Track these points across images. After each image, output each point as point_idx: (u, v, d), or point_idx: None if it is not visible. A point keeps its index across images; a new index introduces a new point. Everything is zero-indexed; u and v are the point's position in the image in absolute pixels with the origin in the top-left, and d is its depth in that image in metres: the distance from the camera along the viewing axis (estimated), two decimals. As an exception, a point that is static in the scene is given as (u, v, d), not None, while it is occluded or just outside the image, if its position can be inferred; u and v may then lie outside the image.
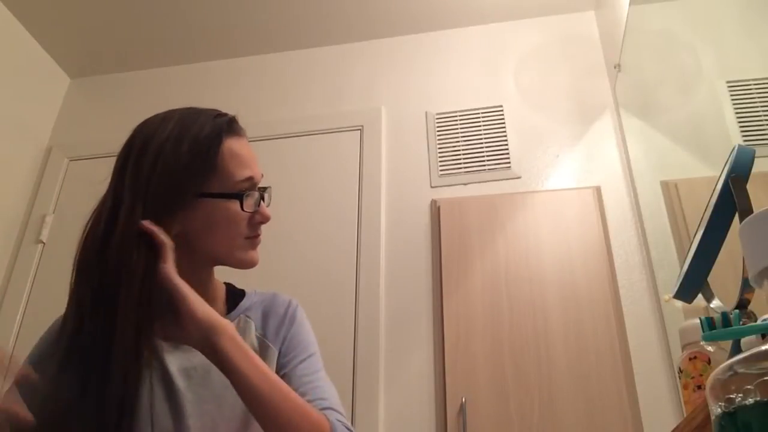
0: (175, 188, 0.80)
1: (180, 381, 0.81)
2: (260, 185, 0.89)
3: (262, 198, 0.88)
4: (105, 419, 0.71)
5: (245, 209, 0.84)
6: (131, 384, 0.74)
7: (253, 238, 0.87)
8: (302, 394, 0.80)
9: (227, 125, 0.86)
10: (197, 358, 0.80)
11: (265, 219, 0.87)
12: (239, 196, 0.83)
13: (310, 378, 0.85)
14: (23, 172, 2.40)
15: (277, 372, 0.85)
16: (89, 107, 2.63)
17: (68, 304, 0.80)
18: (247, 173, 0.85)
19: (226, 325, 0.75)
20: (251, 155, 0.88)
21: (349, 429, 0.81)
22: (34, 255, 2.25)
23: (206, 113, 0.87)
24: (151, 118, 0.88)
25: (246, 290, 0.95)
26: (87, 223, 0.83)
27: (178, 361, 0.82)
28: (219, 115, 0.88)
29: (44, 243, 2.28)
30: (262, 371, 0.75)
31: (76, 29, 2.49)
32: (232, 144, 0.85)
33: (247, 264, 0.87)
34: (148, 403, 0.78)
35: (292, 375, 0.85)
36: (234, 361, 0.73)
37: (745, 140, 1.34)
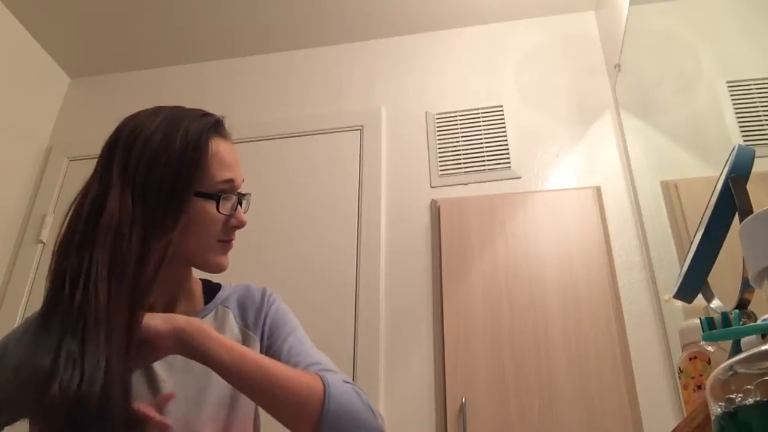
0: (164, 180, 0.80)
1: (161, 371, 0.82)
2: (241, 191, 0.88)
3: (240, 203, 0.87)
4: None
5: (221, 211, 0.83)
6: (116, 369, 0.71)
7: (225, 242, 0.86)
8: (294, 366, 0.81)
9: (215, 125, 0.86)
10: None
11: (241, 224, 0.87)
12: (216, 197, 0.83)
13: (298, 350, 0.86)
14: (23, 172, 2.40)
15: (262, 351, 0.87)
16: (89, 107, 2.63)
17: (46, 292, 0.78)
18: (227, 175, 0.84)
19: (191, 321, 0.75)
20: (235, 158, 0.87)
21: (347, 382, 0.82)
22: (34, 255, 2.25)
23: (194, 111, 0.87)
24: (139, 111, 0.88)
25: (221, 283, 0.96)
26: (69, 210, 0.83)
27: None
28: (206, 114, 0.88)
29: (44, 243, 2.28)
30: (240, 352, 0.75)
31: (76, 29, 2.49)
32: (218, 144, 0.85)
33: (216, 268, 0.86)
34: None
35: (280, 351, 0.86)
36: (209, 350, 0.73)
37: (745, 140, 1.34)
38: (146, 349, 0.73)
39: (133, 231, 0.76)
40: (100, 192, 0.80)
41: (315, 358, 0.85)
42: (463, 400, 1.73)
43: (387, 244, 2.07)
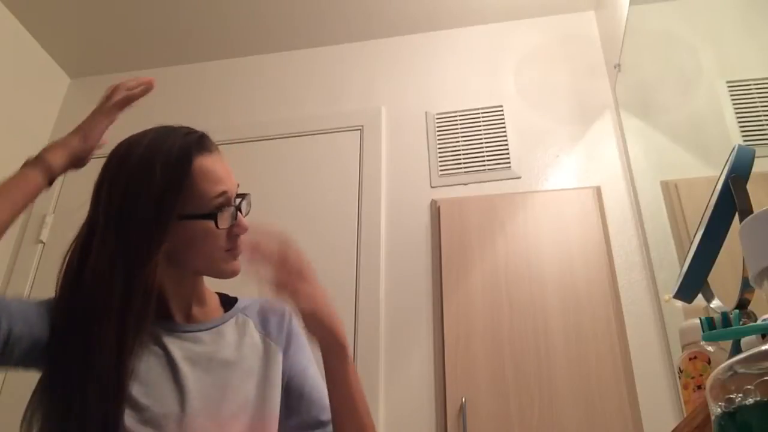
0: (147, 209, 0.81)
1: (184, 366, 0.83)
2: (240, 192, 0.90)
3: (239, 209, 0.88)
4: None
5: (220, 227, 0.84)
6: (114, 401, 0.76)
7: (233, 250, 0.88)
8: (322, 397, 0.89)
9: (196, 143, 0.86)
10: (200, 348, 0.85)
11: (243, 230, 0.88)
12: (213, 216, 0.84)
13: (320, 388, 0.91)
14: (23, 172, 2.40)
15: (285, 367, 0.91)
16: (89, 107, 2.61)
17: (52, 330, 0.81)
18: (219, 189, 0.85)
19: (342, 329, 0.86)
20: (223, 169, 0.88)
21: None
22: (34, 255, 2.25)
23: (176, 132, 0.88)
24: (123, 141, 0.90)
25: (238, 297, 0.98)
26: (66, 252, 0.86)
27: (180, 351, 0.84)
28: (189, 132, 0.88)
29: (44, 243, 2.28)
30: (359, 384, 0.86)
31: (76, 29, 2.49)
32: (202, 162, 0.85)
33: (229, 274, 0.89)
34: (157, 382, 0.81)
35: (304, 374, 0.93)
36: (351, 373, 0.85)
37: (745, 140, 1.34)
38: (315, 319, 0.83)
39: (114, 271, 0.79)
40: (88, 234, 0.85)
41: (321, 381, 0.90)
42: (463, 400, 1.73)
43: (387, 244, 2.07)
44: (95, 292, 0.79)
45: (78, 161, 0.98)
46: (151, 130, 0.90)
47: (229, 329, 0.90)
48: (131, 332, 0.78)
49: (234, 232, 0.87)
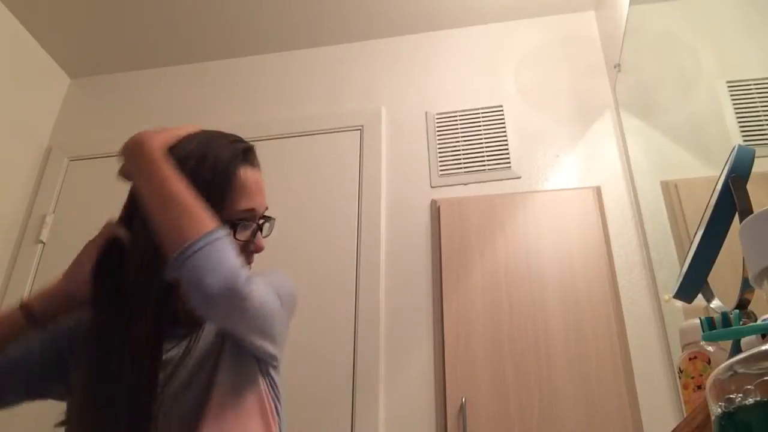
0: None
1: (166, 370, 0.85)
2: (266, 214, 0.93)
3: (261, 228, 0.91)
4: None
5: (237, 238, 0.86)
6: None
7: (245, 267, 0.88)
8: None
9: (243, 153, 0.90)
10: (173, 353, 0.85)
11: (258, 250, 0.91)
12: (234, 225, 0.86)
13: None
14: (23, 172, 2.40)
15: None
16: (89, 107, 2.63)
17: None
18: (249, 205, 0.88)
19: (141, 136, 0.84)
20: (259, 188, 0.91)
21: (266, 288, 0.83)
22: (34, 255, 2.25)
23: (226, 137, 0.91)
24: None
25: None
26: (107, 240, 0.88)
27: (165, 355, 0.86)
28: (237, 140, 0.91)
29: (44, 243, 2.28)
30: (161, 173, 0.81)
31: (76, 29, 2.49)
32: (245, 173, 0.89)
33: None
34: None
35: None
36: (146, 156, 0.82)
37: (745, 140, 1.34)
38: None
39: (155, 264, 0.80)
40: (127, 215, 0.87)
41: (268, 292, 0.84)
42: (463, 400, 1.73)
43: (387, 244, 2.07)
44: (135, 286, 0.81)
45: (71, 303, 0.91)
46: (198, 132, 0.92)
47: (206, 331, 0.89)
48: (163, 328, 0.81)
49: (249, 248, 0.89)
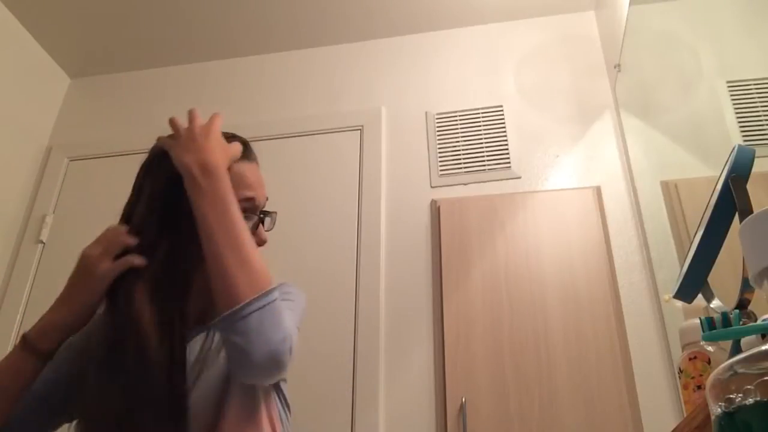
0: (183, 204, 0.83)
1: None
2: (267, 209, 0.93)
3: (263, 222, 0.92)
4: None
5: None
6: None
7: None
8: None
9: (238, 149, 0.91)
10: (190, 355, 0.84)
11: (261, 242, 0.91)
12: None
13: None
14: (23, 172, 2.40)
15: None
16: (89, 107, 2.63)
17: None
18: (248, 194, 0.88)
19: (219, 161, 0.82)
20: (257, 179, 0.92)
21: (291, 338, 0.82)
22: (34, 255, 2.25)
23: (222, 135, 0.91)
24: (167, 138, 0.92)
25: None
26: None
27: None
28: (231, 137, 0.92)
29: (44, 243, 2.28)
30: (230, 201, 0.80)
31: (76, 29, 2.49)
32: (241, 167, 0.90)
33: None
34: None
35: None
36: (203, 200, 0.80)
37: (745, 140, 1.34)
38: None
39: (160, 256, 0.82)
40: (127, 213, 0.87)
41: (292, 327, 0.83)
42: (463, 400, 1.73)
43: (387, 244, 2.07)
44: (146, 277, 0.82)
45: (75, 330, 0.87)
46: None
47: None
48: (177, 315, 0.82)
49: None
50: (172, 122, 0.88)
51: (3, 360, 0.81)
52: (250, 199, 0.89)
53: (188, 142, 0.84)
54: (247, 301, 0.74)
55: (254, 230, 0.89)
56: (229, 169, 0.87)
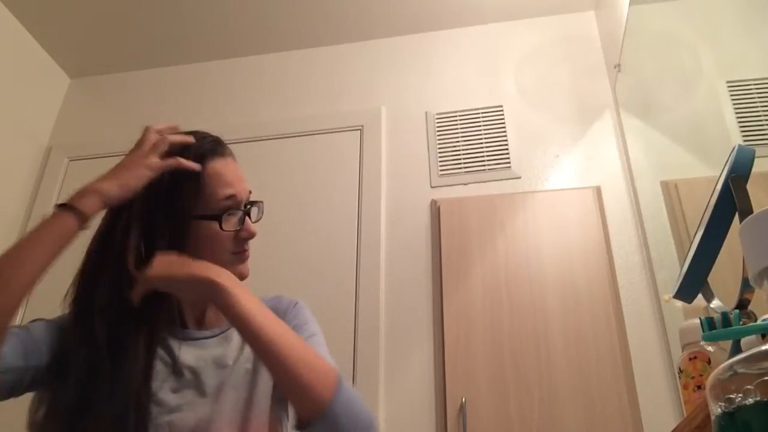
0: (165, 207, 0.84)
1: (188, 373, 0.84)
2: (253, 199, 0.91)
3: (249, 214, 0.90)
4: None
5: (224, 229, 0.86)
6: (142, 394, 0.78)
7: (240, 254, 0.89)
8: None
9: (210, 148, 0.89)
10: (206, 353, 0.86)
11: (250, 235, 0.90)
12: (218, 218, 0.85)
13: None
14: (23, 172, 2.40)
15: None
16: (89, 107, 2.63)
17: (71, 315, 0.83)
18: (228, 192, 0.87)
19: (226, 271, 0.80)
20: (235, 174, 0.90)
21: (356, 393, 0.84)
22: (34, 255, 2.25)
23: (193, 137, 0.90)
24: None
25: None
26: (88, 248, 0.87)
27: (187, 357, 0.86)
28: (204, 137, 0.91)
29: (44, 243, 2.28)
30: (269, 314, 0.79)
31: (76, 29, 2.49)
32: (215, 165, 0.88)
33: (237, 278, 0.90)
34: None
35: None
36: (241, 301, 0.76)
37: (745, 140, 1.34)
38: (180, 288, 0.79)
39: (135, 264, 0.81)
40: (108, 225, 0.86)
41: (329, 360, 0.86)
42: (463, 400, 1.73)
43: (387, 244, 2.07)
44: (115, 290, 0.81)
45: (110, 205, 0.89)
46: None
47: (236, 333, 0.90)
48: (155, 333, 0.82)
49: (241, 236, 0.88)
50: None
51: (41, 224, 0.81)
52: (231, 197, 0.87)
53: (167, 261, 0.81)
54: (329, 402, 0.75)
55: (241, 225, 0.88)
56: (204, 169, 0.86)
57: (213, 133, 0.93)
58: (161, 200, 0.84)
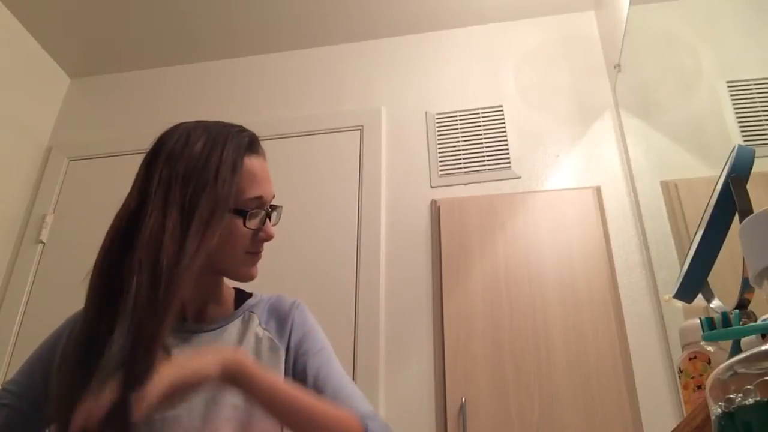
0: (203, 197, 0.82)
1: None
2: (273, 203, 0.93)
3: (269, 216, 0.91)
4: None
5: (248, 226, 0.86)
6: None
7: (254, 254, 0.90)
8: (325, 395, 0.85)
9: (249, 144, 0.90)
10: (203, 347, 0.85)
11: (268, 237, 0.90)
12: (244, 213, 0.86)
13: (326, 376, 0.88)
14: (23, 172, 2.40)
15: (288, 364, 0.89)
16: (89, 107, 2.63)
17: (86, 307, 0.81)
18: (257, 192, 0.88)
19: (238, 352, 0.80)
20: (265, 175, 0.91)
21: (385, 425, 0.85)
22: (34, 255, 2.25)
23: (231, 129, 0.90)
24: (177, 127, 0.89)
25: (254, 292, 0.99)
26: (111, 227, 0.84)
27: (180, 351, 0.85)
28: (241, 130, 0.91)
29: (44, 243, 2.28)
30: (284, 387, 0.79)
31: (76, 29, 2.49)
32: (251, 162, 0.89)
33: (245, 278, 0.90)
34: None
35: (306, 373, 0.88)
36: (256, 382, 0.76)
37: (745, 140, 1.34)
38: (192, 383, 0.73)
39: (171, 246, 0.78)
40: (139, 208, 0.82)
41: (346, 391, 0.87)
42: (463, 400, 1.73)
43: (387, 244, 2.07)
44: (152, 265, 0.78)
45: None
46: (203, 121, 0.90)
47: (234, 328, 0.91)
48: (171, 307, 0.78)
49: (260, 236, 0.89)
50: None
51: None
52: (259, 197, 0.88)
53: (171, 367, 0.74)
54: None
55: (261, 225, 0.89)
56: (242, 164, 0.86)
57: (249, 129, 0.93)
58: (203, 188, 0.82)
